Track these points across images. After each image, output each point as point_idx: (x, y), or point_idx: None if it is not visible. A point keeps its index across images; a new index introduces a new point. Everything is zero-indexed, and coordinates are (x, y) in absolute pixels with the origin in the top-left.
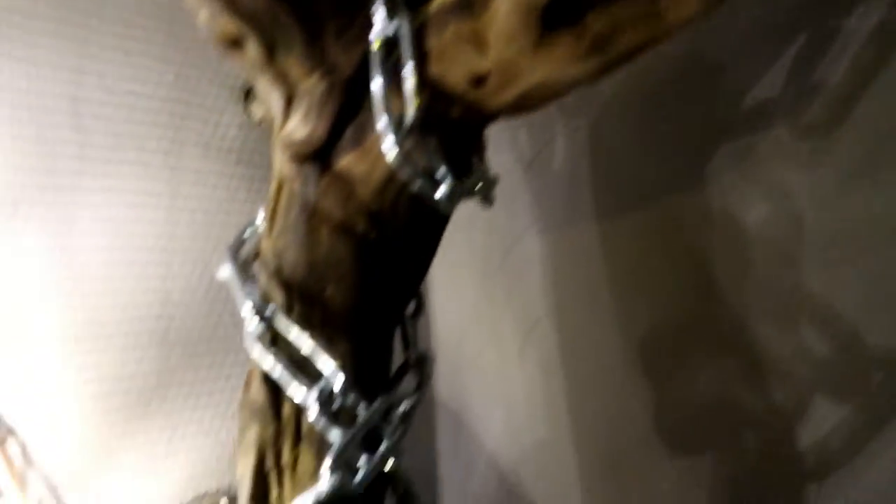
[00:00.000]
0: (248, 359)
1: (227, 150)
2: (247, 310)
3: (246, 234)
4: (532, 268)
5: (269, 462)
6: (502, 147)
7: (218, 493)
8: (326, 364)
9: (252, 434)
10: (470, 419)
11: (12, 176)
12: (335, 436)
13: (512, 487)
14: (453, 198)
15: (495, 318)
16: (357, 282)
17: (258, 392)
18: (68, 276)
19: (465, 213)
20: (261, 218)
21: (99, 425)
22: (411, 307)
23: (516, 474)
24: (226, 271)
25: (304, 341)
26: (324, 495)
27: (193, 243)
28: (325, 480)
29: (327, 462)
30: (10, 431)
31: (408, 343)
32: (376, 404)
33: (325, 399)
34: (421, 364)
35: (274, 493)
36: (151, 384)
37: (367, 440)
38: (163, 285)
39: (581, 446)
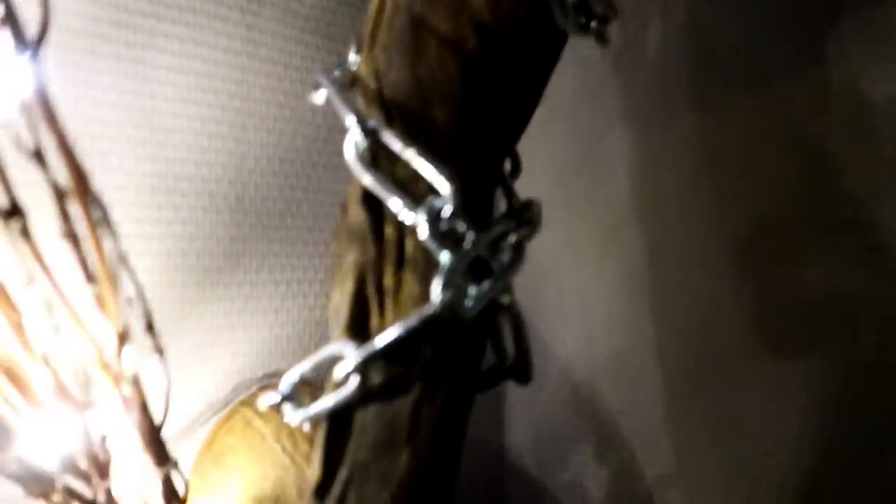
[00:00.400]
0: (320, 239)
1: (305, 17)
2: (350, 121)
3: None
4: (617, 166)
5: (370, 287)
6: None
7: None
8: (437, 180)
9: (350, 259)
10: (541, 330)
11: (89, 5)
12: (445, 256)
13: (586, 399)
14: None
15: (573, 223)
16: (465, 103)
17: (357, 215)
18: (143, 123)
19: (542, 108)
20: (352, 55)
21: (171, 284)
22: (508, 166)
23: (592, 386)
24: (321, 93)
25: (412, 156)
26: (432, 316)
27: (269, 109)
28: (436, 299)
29: (437, 281)
30: (106, 219)
31: (510, 195)
32: (487, 230)
33: (434, 218)
34: (527, 207)
35: (374, 319)
36: (224, 251)
37: (475, 272)
38: (237, 148)
39: (667, 354)
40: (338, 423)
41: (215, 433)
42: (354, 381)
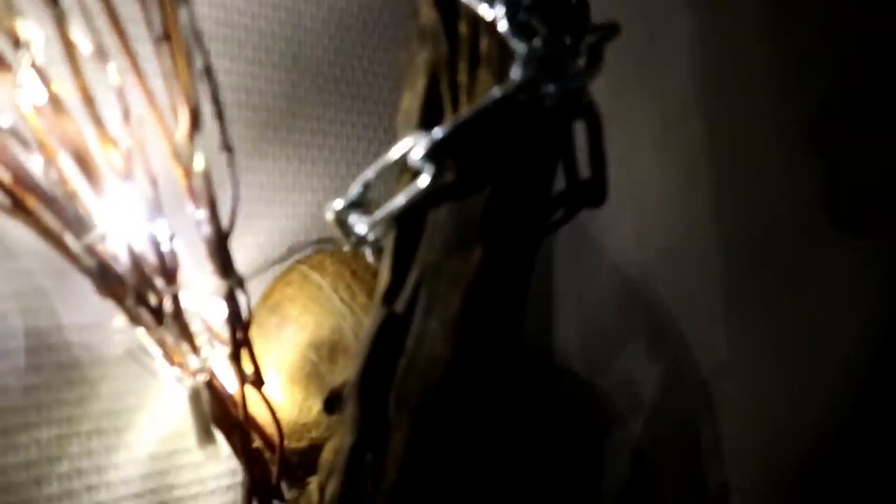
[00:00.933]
0: (374, 109)
1: None
2: None
3: None
4: (679, 50)
5: (443, 84)
6: None
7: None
8: None
9: (422, 59)
10: (592, 226)
11: None
12: (522, 47)
13: (638, 294)
14: None
15: (630, 112)
16: None
17: (429, 15)
18: None
19: None
20: None
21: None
22: None
23: (645, 281)
24: None
25: None
26: (507, 94)
27: None
28: (516, 73)
29: (515, 67)
30: None
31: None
32: (563, 26)
33: (513, 11)
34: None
35: (448, 116)
36: (280, 108)
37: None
38: (294, 6)
39: (727, 244)
40: (408, 226)
41: (271, 287)
42: (427, 172)
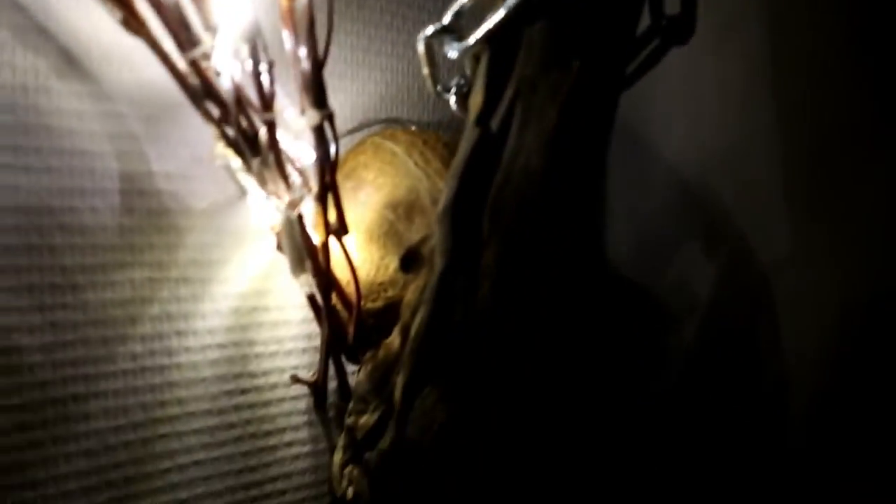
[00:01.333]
0: None
1: None
2: None
3: None
4: None
5: None
6: None
7: (408, 122)
8: None
9: None
10: (646, 133)
11: None
12: None
13: (694, 196)
14: None
15: None
16: None
17: None
18: None
19: None
20: None
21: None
22: None
23: (701, 183)
24: None
25: None
26: None
27: None
28: None
29: None
30: None
31: None
32: None
33: None
34: None
35: None
36: None
37: None
38: None
39: (784, 146)
40: (501, 45)
41: (344, 157)
42: None
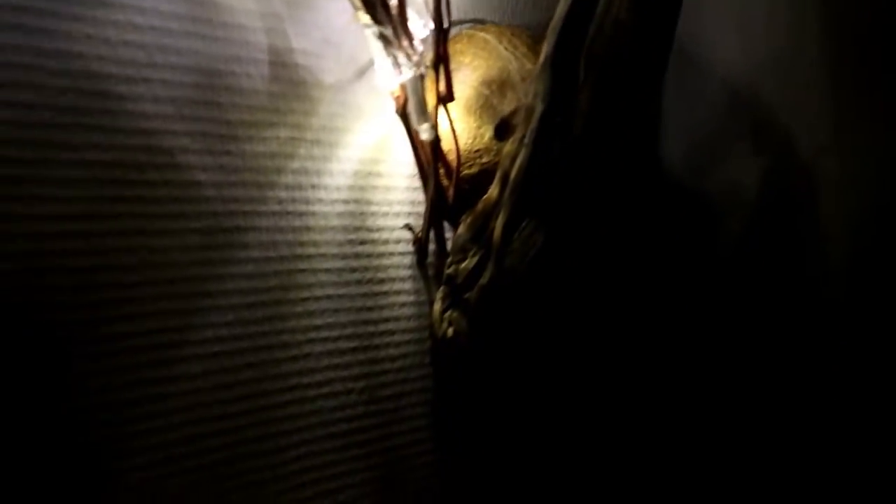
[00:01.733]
0: None
1: None
2: None
3: None
4: None
5: None
6: None
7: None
8: None
9: None
10: (698, 50)
11: None
12: None
13: (745, 101)
14: None
15: None
16: None
17: None
18: None
19: None
20: None
21: None
22: None
23: (751, 94)
24: None
25: None
26: None
27: None
28: None
29: None
30: None
31: None
32: None
33: None
34: None
35: None
36: None
37: None
38: None
39: (831, 53)
40: None
41: None
42: None
